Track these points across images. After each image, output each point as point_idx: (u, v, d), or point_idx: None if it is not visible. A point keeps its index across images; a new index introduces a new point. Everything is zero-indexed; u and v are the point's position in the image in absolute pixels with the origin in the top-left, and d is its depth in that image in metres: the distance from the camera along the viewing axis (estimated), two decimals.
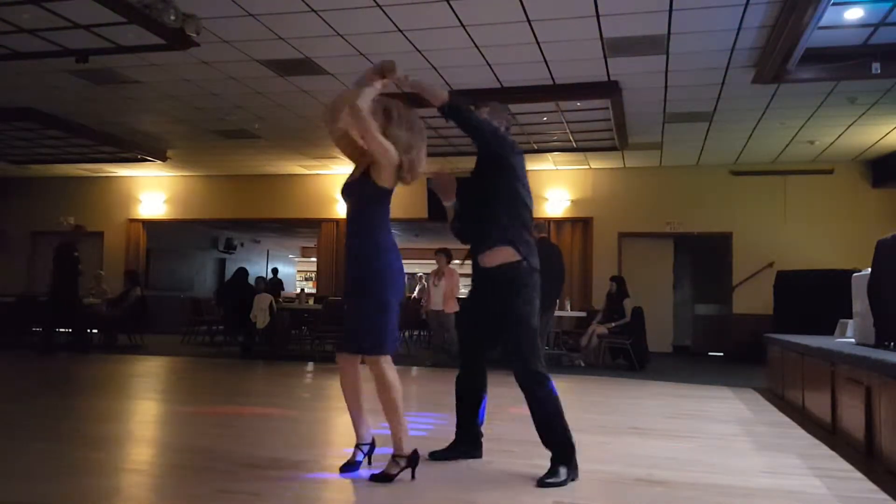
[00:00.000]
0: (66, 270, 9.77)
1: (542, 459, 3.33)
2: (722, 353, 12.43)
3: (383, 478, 3.15)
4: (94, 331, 11.30)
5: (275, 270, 14.77)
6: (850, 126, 9.56)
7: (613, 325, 9.53)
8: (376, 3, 6.10)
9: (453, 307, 9.30)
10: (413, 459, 3.19)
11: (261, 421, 4.87)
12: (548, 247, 8.15)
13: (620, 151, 11.08)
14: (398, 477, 3.16)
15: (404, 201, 10.91)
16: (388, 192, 3.30)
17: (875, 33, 6.60)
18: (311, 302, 11.59)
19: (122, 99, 9.19)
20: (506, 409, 5.23)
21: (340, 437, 4.19)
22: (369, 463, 3.35)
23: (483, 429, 3.70)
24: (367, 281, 3.22)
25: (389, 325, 3.20)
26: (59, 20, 6.56)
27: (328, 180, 13.69)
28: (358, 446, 3.36)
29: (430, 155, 12.33)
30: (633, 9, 6.16)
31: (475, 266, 3.54)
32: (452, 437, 3.68)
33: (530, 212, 3.53)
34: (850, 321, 5.97)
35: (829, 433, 4.67)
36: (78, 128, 10.54)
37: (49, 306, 9.95)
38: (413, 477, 3.18)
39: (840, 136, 10.07)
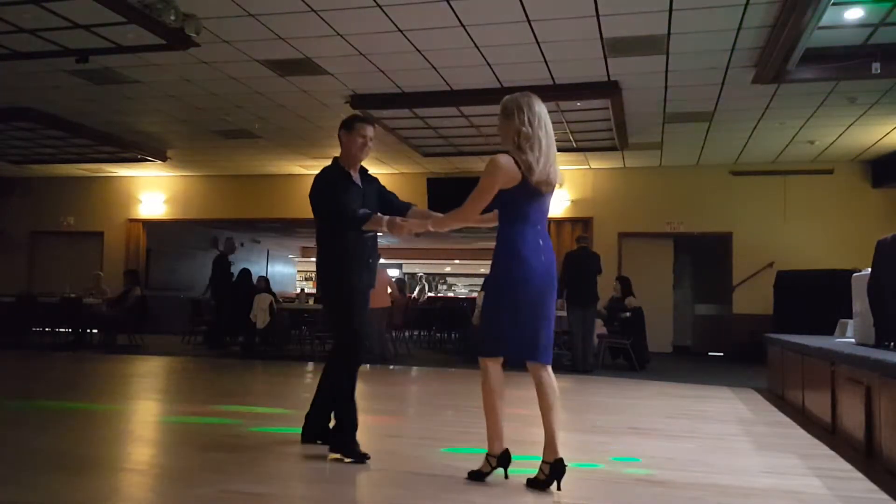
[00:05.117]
0: (222, 279, 10.83)
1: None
2: (722, 353, 12.43)
3: (476, 475, 3.23)
4: (94, 331, 11.34)
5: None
6: (850, 126, 9.56)
7: (620, 314, 9.60)
8: (376, 3, 6.09)
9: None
10: (502, 459, 3.21)
11: (261, 421, 4.87)
12: (588, 255, 9.30)
13: (620, 151, 11.08)
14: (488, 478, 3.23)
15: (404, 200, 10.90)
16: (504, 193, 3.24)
17: (875, 33, 6.59)
18: (311, 302, 11.58)
19: (122, 99, 9.19)
20: (504, 410, 5.22)
21: None
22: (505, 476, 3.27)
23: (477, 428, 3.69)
24: None
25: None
26: (59, 20, 6.56)
27: None
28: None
29: (430, 155, 12.30)
30: (633, 9, 6.15)
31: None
32: (452, 437, 3.68)
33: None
34: (850, 321, 5.97)
35: (829, 433, 4.67)
36: (78, 128, 10.54)
37: (217, 312, 10.92)
38: (506, 476, 3.22)
39: (840, 136, 10.07)
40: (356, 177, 3.90)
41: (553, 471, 3.09)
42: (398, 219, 3.60)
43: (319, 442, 3.91)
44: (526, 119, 3.16)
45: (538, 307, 3.17)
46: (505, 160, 3.13)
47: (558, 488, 3.09)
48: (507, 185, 3.14)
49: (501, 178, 3.12)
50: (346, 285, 3.78)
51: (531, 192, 3.18)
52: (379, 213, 3.71)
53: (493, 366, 3.20)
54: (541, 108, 3.21)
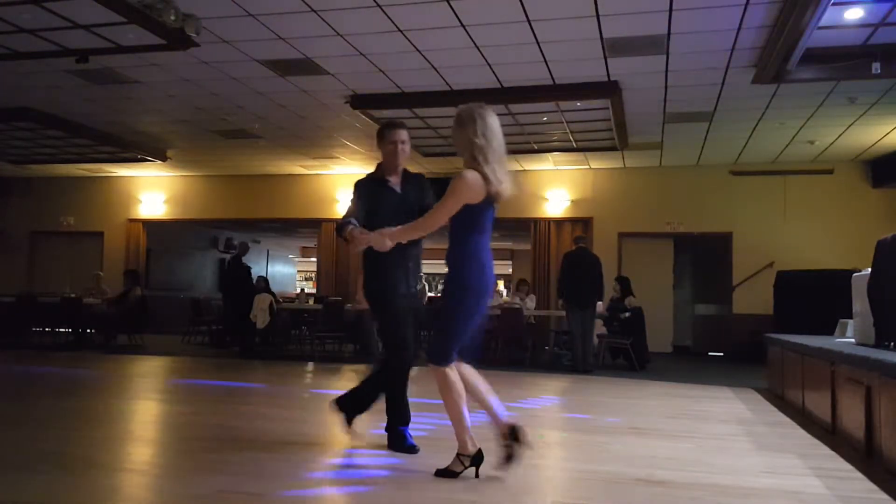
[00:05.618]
0: (238, 281, 10.75)
1: (540, 459, 3.33)
2: (722, 353, 12.43)
3: (446, 473, 3.27)
4: (94, 331, 11.34)
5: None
6: (850, 126, 9.56)
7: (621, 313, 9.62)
8: (376, 3, 6.09)
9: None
10: (476, 458, 3.26)
11: (261, 421, 4.87)
12: (587, 255, 9.19)
13: (620, 151, 11.08)
14: (461, 474, 3.26)
15: None
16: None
17: (875, 33, 6.59)
18: (311, 302, 11.59)
19: (122, 99, 9.19)
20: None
21: (340, 437, 4.19)
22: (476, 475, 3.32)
23: (482, 428, 3.70)
24: None
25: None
26: (59, 20, 6.56)
27: (328, 180, 13.69)
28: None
29: (430, 155, 12.32)
30: (633, 9, 6.15)
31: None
32: (452, 438, 3.68)
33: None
34: (850, 321, 5.97)
35: (829, 433, 4.67)
36: (78, 128, 10.54)
37: (229, 317, 10.82)
38: (477, 475, 3.26)
39: (840, 136, 10.07)
40: (394, 181, 3.98)
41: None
42: (357, 230, 3.58)
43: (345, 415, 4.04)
44: (478, 130, 3.19)
45: (481, 314, 3.28)
46: (472, 178, 3.15)
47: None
48: (474, 201, 3.17)
49: (468, 195, 3.16)
50: (376, 292, 3.90)
51: (489, 203, 3.24)
52: (354, 224, 3.64)
53: (451, 372, 3.26)
54: (493, 120, 3.25)
